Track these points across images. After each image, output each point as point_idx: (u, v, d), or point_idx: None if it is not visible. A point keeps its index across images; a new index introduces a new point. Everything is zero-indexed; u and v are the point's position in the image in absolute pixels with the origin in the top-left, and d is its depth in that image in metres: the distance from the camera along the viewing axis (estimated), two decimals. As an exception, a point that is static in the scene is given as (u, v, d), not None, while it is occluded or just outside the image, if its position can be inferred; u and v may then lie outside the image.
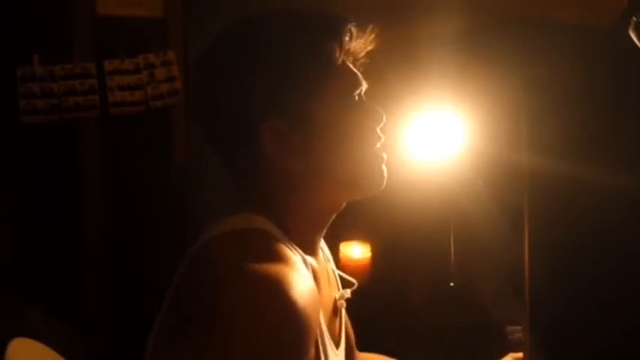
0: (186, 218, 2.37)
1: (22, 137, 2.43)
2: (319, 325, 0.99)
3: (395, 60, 2.27)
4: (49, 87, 2.41)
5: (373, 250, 2.27)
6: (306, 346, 0.87)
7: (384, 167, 1.05)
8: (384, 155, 1.06)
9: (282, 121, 0.98)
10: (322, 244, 1.18)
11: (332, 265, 1.21)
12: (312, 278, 0.96)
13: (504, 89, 1.86)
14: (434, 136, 2.09)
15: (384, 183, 1.05)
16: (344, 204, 1.06)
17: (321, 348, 0.99)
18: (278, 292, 0.84)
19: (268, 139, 0.98)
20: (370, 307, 2.03)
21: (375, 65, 1.09)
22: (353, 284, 1.18)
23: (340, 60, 1.02)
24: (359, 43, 1.05)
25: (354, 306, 1.25)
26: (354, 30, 1.03)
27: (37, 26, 2.40)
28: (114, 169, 2.50)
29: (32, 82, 2.40)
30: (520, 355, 1.31)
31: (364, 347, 1.35)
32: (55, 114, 2.42)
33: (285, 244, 0.96)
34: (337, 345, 1.09)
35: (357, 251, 2.26)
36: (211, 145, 1.05)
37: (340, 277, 1.21)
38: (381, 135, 1.05)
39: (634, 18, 0.86)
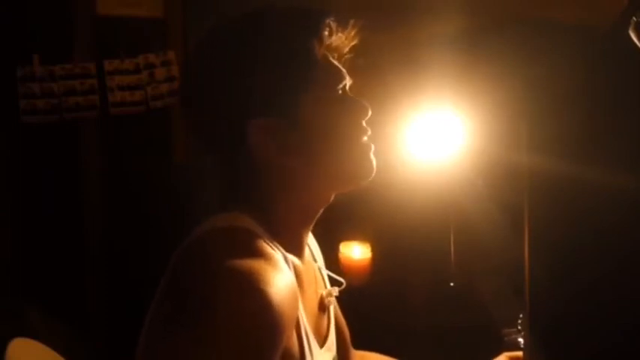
0: (186, 218, 2.36)
1: (22, 137, 2.43)
2: (302, 322, 1.00)
3: (395, 60, 2.27)
4: (49, 87, 2.41)
5: (373, 250, 2.27)
6: (279, 342, 0.88)
7: (372, 156, 1.06)
8: (372, 145, 1.06)
9: (269, 119, 0.99)
10: (311, 244, 1.19)
11: (320, 263, 1.22)
12: (293, 275, 0.97)
13: (504, 89, 1.86)
14: (434, 136, 2.09)
15: (374, 173, 1.06)
16: (332, 198, 1.07)
17: (305, 345, 0.99)
18: (256, 289, 0.85)
19: (257, 137, 0.99)
20: (370, 307, 2.03)
21: (376, 66, 1.10)
22: (342, 284, 1.19)
23: (321, 55, 1.02)
24: (340, 38, 1.05)
25: (354, 305, 1.25)
26: (333, 25, 1.04)
27: (37, 26, 2.41)
28: (114, 169, 2.50)
29: (32, 82, 2.40)
30: (514, 353, 1.31)
31: (364, 347, 1.35)
32: (55, 114, 2.42)
33: (267, 243, 0.97)
34: (323, 342, 1.09)
35: (357, 251, 2.26)
36: (206, 146, 1.06)
37: (334, 277, 1.22)
38: (368, 128, 1.06)
39: (634, 18, 0.86)
